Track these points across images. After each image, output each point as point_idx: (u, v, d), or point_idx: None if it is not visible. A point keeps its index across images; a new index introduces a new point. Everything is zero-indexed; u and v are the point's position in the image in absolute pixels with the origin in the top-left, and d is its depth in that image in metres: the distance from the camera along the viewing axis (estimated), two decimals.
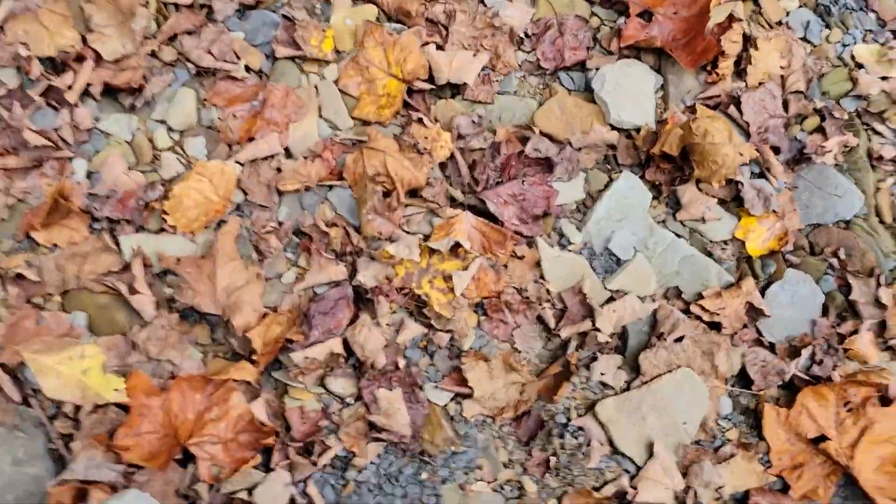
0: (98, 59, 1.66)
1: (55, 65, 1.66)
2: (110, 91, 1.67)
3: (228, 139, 1.70)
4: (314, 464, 1.53)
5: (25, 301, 1.51)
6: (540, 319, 1.73)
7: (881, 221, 1.94)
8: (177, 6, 1.76)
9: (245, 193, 1.66)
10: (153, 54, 1.71)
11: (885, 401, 1.72)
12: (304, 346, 1.53)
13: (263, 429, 1.50)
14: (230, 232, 1.58)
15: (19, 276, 1.51)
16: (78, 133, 1.62)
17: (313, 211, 1.69)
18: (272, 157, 1.71)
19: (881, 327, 1.83)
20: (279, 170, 1.69)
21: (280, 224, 1.67)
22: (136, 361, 1.53)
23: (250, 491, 1.49)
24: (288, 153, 1.73)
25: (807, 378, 1.75)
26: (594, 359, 1.70)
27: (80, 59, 1.65)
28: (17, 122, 1.57)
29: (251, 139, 1.70)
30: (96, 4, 1.69)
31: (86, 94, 1.65)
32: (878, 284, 1.83)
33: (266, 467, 1.52)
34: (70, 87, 1.62)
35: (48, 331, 1.48)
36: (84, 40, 1.67)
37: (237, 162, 1.68)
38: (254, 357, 1.52)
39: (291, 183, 1.67)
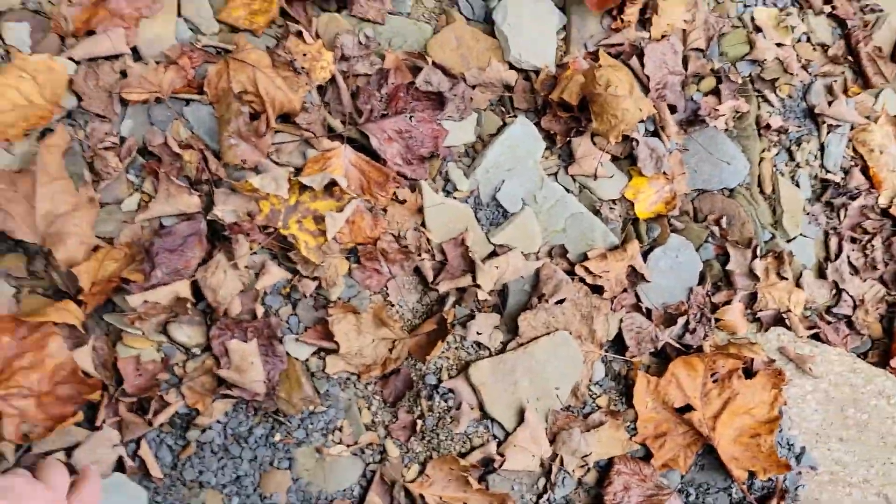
0: None
1: None
2: None
3: (61, 30, 1.40)
4: (149, 422, 1.33)
5: None
6: (417, 271, 1.58)
7: (762, 192, 1.93)
8: None
9: (79, 99, 1.37)
10: None
11: (749, 373, 1.73)
12: (144, 287, 1.30)
13: (88, 381, 1.27)
14: (57, 144, 1.30)
15: None
16: None
17: (165, 128, 1.43)
18: (116, 57, 1.42)
19: (752, 299, 1.83)
20: (124, 74, 1.41)
21: (122, 140, 1.40)
22: None
23: (69, 452, 1.27)
24: (137, 55, 1.45)
25: (678, 346, 1.73)
26: (471, 317, 1.59)
27: None
28: None
29: (90, 32, 1.40)
30: None
31: None
32: (754, 256, 1.83)
33: (91, 425, 1.30)
34: None
35: None
36: None
37: (71, 59, 1.38)
38: (81, 297, 1.27)
39: (139, 92, 1.40)
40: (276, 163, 1.49)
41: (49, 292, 1.32)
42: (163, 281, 1.32)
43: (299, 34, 1.53)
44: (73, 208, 1.28)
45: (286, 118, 1.52)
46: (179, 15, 1.50)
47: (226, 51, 1.50)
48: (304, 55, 1.53)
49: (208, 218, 1.39)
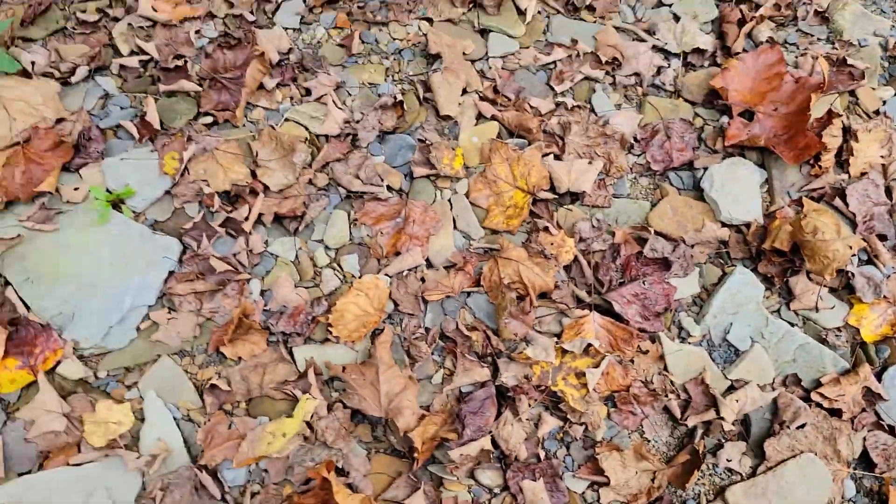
0: (265, 190, 1.92)
1: (230, 197, 1.93)
2: (277, 217, 1.92)
3: (377, 254, 1.92)
4: None
5: (218, 408, 1.75)
6: (666, 410, 1.87)
7: None
8: (327, 137, 2.02)
9: (396, 304, 1.87)
10: (310, 182, 1.96)
11: None
12: (458, 444, 1.71)
13: None
14: (386, 341, 1.79)
15: (212, 387, 1.75)
16: (252, 257, 1.87)
17: (455, 316, 1.89)
18: (416, 268, 1.92)
19: None
20: (423, 280, 1.90)
21: (427, 330, 1.87)
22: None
23: None
24: (429, 263, 1.94)
25: None
26: (720, 446, 1.83)
27: (252, 191, 1.91)
28: (205, 251, 1.83)
29: (397, 253, 1.92)
30: (262, 142, 1.96)
31: (257, 221, 1.90)
32: None
33: None
34: (246, 218, 1.87)
35: (238, 434, 1.71)
36: (253, 174, 1.94)
37: (386, 275, 1.90)
38: (415, 455, 1.71)
39: (437, 293, 1.87)
40: (540, 332, 1.88)
41: (389, 451, 1.78)
42: (471, 437, 1.72)
43: (545, 228, 1.95)
44: (403, 388, 1.74)
45: (543, 295, 1.91)
46: (455, 228, 1.98)
47: (492, 249, 1.95)
48: (551, 244, 1.94)
49: (496, 384, 1.80)
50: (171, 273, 1.83)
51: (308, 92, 2.08)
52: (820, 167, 2.08)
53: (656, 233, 1.99)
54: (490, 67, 2.19)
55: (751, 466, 1.83)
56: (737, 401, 1.84)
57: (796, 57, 2.27)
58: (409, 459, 1.75)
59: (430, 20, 2.23)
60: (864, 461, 1.85)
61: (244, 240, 1.88)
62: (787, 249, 1.92)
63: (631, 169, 2.11)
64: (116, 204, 1.87)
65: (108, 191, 1.87)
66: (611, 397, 1.86)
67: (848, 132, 2.13)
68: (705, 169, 2.08)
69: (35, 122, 1.88)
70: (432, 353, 1.86)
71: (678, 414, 1.85)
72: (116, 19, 2.09)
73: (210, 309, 1.82)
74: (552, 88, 2.18)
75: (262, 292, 1.86)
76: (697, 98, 2.20)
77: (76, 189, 1.85)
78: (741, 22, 2.28)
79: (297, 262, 1.91)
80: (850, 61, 2.22)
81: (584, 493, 1.79)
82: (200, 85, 2.03)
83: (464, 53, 2.17)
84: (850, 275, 1.95)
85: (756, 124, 2.11)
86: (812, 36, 2.32)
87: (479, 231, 1.99)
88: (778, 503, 1.77)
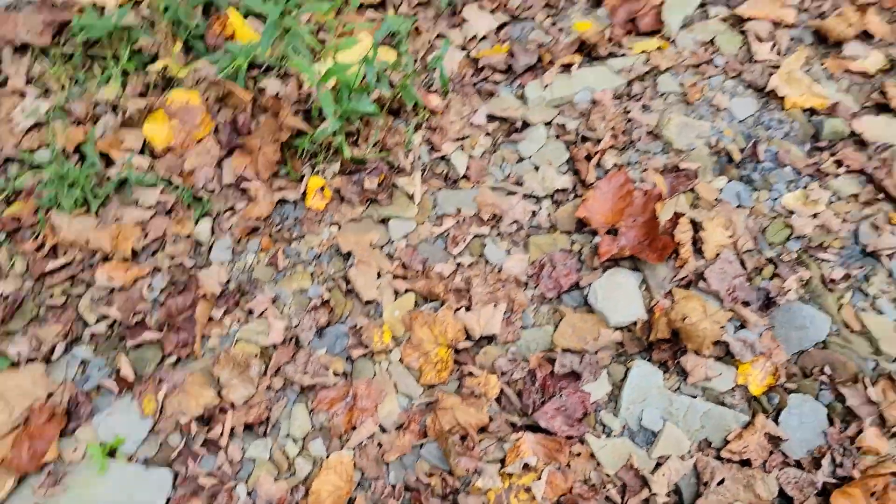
0: (232, 406, 2.27)
1: (204, 420, 2.27)
2: (247, 426, 2.26)
3: (337, 433, 2.26)
4: None
5: None
6: (608, 499, 2.17)
7: (852, 331, 2.38)
8: (274, 346, 2.39)
9: (362, 472, 2.20)
10: (268, 388, 2.32)
11: None
12: None
13: None
14: None
15: None
16: (234, 465, 2.20)
17: (413, 468, 2.21)
18: (371, 436, 2.26)
19: (882, 420, 2.23)
20: (380, 445, 2.24)
21: (393, 486, 2.18)
22: None
23: None
24: (382, 429, 2.28)
25: (835, 482, 2.14)
26: None
27: (222, 410, 2.26)
28: (193, 473, 2.16)
29: (354, 428, 2.26)
30: (221, 366, 2.33)
31: (231, 434, 2.24)
32: (865, 386, 2.25)
33: None
34: (221, 434, 2.22)
35: None
36: (220, 394, 2.29)
37: (349, 449, 2.23)
38: None
39: (393, 453, 2.20)
40: (489, 462, 2.20)
41: None
42: None
43: (470, 373, 2.32)
44: None
45: (483, 430, 2.25)
46: (398, 392, 2.34)
47: (431, 403, 2.30)
48: (478, 384, 2.30)
49: None
50: (168, 500, 2.14)
51: (251, 312, 2.48)
52: (681, 259, 2.49)
53: (563, 350, 2.36)
54: (395, 249, 2.61)
55: None
56: (664, 475, 2.16)
57: (640, 173, 2.73)
58: None
59: (337, 224, 2.66)
60: (783, 497, 2.16)
61: (224, 453, 2.21)
62: (669, 336, 2.30)
63: (530, 301, 2.50)
64: (111, 453, 2.20)
65: (101, 444, 2.21)
66: (559, 502, 2.16)
67: (696, 224, 2.56)
68: (590, 285, 2.48)
69: (30, 403, 2.23)
70: None
71: (619, 500, 2.16)
72: (80, 296, 2.49)
73: None
74: (450, 252, 2.60)
75: (249, 493, 2.18)
76: (570, 228, 2.64)
77: (74, 450, 2.19)
78: (588, 157, 2.76)
79: (272, 459, 2.23)
80: (682, 166, 2.69)
81: None
82: (160, 331, 2.41)
83: (371, 244, 2.60)
84: (727, 343, 2.32)
85: (621, 237, 2.53)
86: (649, 152, 2.80)
87: (417, 389, 2.35)
88: None
